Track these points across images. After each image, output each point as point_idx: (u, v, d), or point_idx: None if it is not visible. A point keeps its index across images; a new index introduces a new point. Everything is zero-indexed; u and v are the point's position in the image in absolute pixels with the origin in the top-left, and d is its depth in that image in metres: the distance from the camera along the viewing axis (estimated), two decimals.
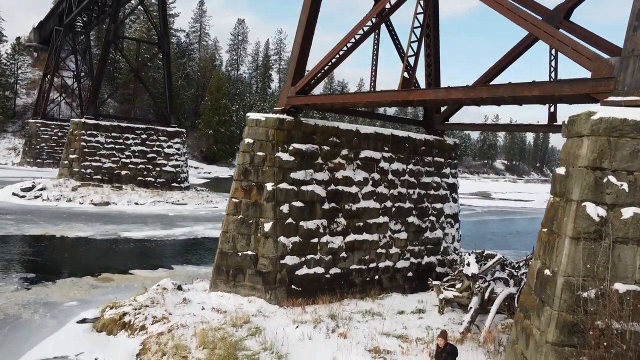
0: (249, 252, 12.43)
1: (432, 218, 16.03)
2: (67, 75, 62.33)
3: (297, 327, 10.47)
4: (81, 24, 56.58)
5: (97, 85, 37.28)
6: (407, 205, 15.22)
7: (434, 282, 13.18)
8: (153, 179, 37.22)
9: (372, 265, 14.18)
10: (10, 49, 70.24)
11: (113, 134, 35.88)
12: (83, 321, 11.60)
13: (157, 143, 37.76)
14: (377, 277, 14.27)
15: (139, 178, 36.54)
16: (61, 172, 35.21)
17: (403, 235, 15.02)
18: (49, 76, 56.79)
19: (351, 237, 13.69)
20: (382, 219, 14.47)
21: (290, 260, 12.38)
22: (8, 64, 68.30)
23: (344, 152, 13.78)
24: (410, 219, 15.29)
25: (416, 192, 15.53)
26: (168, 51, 39.55)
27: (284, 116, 12.81)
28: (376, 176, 14.47)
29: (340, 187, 13.58)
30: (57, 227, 23.11)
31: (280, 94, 13.53)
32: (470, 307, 11.22)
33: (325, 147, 13.38)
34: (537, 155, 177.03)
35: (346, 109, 14.57)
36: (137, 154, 36.71)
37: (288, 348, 9.36)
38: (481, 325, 11.17)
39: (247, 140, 12.78)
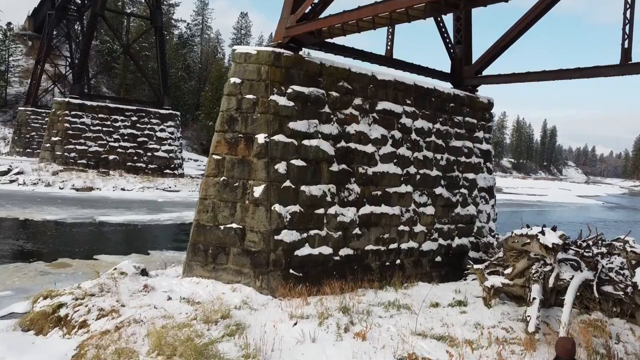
0: (234, 225, 9.44)
1: (464, 191, 13.00)
2: (61, 63, 59.58)
3: (296, 323, 7.49)
4: (74, 7, 53.66)
5: (83, 61, 34.38)
6: (434, 172, 12.20)
7: (475, 266, 10.15)
8: (144, 165, 34.32)
9: (393, 246, 11.17)
10: (1, 35, 67.42)
11: (100, 115, 33.00)
12: (9, 316, 8.65)
13: (149, 126, 34.86)
14: (398, 261, 11.26)
15: (129, 163, 33.65)
16: (42, 156, 32.36)
17: (430, 210, 12.00)
18: (41, 63, 53.99)
19: (367, 209, 10.69)
20: (404, 188, 11.46)
21: (288, 236, 9.40)
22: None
23: (357, 101, 10.78)
24: (438, 190, 12.26)
25: (444, 158, 12.52)
26: (161, 26, 36.60)
27: (282, 50, 9.80)
28: (397, 134, 11.47)
29: (352, 145, 10.59)
30: (25, 210, 20.24)
31: (277, 26, 10.51)
32: (534, 298, 8.18)
33: (334, 94, 10.38)
34: (544, 153, 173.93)
35: (360, 52, 11.56)
36: (126, 137, 33.82)
37: (281, 355, 6.38)
38: (547, 322, 8.17)
39: (234, 80, 9.77)
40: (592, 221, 34.01)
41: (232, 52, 10.04)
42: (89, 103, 33.02)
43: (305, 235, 9.68)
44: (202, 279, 9.38)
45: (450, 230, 12.53)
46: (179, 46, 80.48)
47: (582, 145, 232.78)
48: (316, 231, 9.84)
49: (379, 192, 10.97)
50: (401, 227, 11.32)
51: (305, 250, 9.64)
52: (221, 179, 9.61)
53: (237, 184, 9.52)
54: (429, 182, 12.03)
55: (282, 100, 9.64)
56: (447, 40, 13.40)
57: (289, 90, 9.73)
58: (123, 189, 29.31)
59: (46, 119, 53.67)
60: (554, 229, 9.08)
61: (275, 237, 9.29)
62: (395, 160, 11.34)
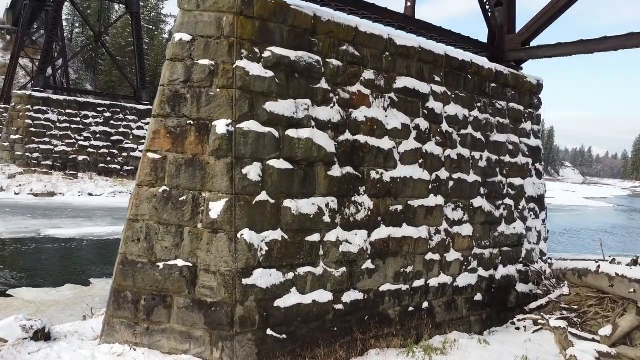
0: (180, 262, 6.02)
1: (509, 202, 9.66)
2: (37, 58, 55.85)
3: None
4: None
5: (47, 49, 30.79)
6: (472, 177, 8.86)
7: (553, 323, 6.79)
8: (119, 167, 30.79)
9: (418, 283, 7.79)
10: None
11: (68, 111, 29.41)
12: None
13: (125, 123, 31.31)
14: (426, 304, 7.87)
15: (101, 165, 30.11)
16: (0, 157, 28.74)
17: (467, 230, 8.64)
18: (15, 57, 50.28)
19: (382, 232, 7.30)
20: (433, 200, 8.09)
21: (263, 278, 6.00)
22: None
23: (368, 74, 7.42)
24: (477, 202, 8.91)
25: (484, 157, 9.18)
26: (137, 12, 33.07)
27: None
28: (423, 124, 8.11)
29: (361, 138, 7.22)
30: None
31: None
32: None
33: (335, 62, 7.01)
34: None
35: (369, 6, 8.22)
36: (98, 135, 30.27)
37: None
38: None
39: (180, 36, 6.33)
40: (616, 228, 30.94)
41: None
42: (54, 97, 29.47)
43: (290, 275, 6.28)
44: (128, 348, 5.94)
45: (493, 257, 9.17)
46: (168, 42, 76.31)
47: (579, 146, 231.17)
48: (308, 269, 6.44)
49: (400, 207, 7.60)
50: (429, 256, 7.95)
51: (291, 299, 6.24)
52: (160, 190, 6.18)
53: (184, 197, 6.10)
54: (465, 191, 8.68)
55: (256, 69, 6.23)
56: (485, 0, 10.05)
57: (267, 54, 6.33)
58: (91, 194, 25.80)
59: None
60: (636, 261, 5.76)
61: (244, 281, 5.88)
62: (421, 161, 7.98)
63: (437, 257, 8.06)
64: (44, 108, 28.70)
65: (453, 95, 8.64)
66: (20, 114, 28.40)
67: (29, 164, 27.78)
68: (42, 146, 28.42)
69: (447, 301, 8.24)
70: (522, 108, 10.10)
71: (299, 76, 6.59)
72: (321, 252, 6.56)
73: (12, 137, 28.37)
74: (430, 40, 9.24)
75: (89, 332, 6.62)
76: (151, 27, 67.84)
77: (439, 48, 8.58)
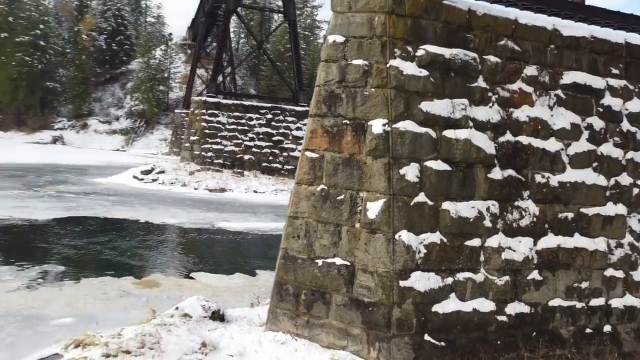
0: (338, 260, 6.26)
1: None
2: (210, 67, 61.91)
3: None
4: (221, 12, 54.98)
5: (218, 60, 33.94)
6: None
7: None
8: (280, 166, 32.81)
9: (597, 302, 7.07)
10: (164, 47, 72.59)
11: (235, 114, 32.14)
12: None
13: (284, 124, 33.28)
14: (607, 327, 7.10)
15: (264, 164, 32.36)
16: (183, 156, 32.48)
17: None
18: (194, 68, 56.35)
19: (550, 241, 6.79)
20: (612, 209, 7.30)
21: (422, 281, 5.97)
22: (162, 60, 70.39)
23: (530, 70, 6.96)
24: None
25: None
26: (294, 19, 34.95)
27: None
28: (597, 123, 7.38)
29: (523, 139, 6.80)
30: (150, 212, 19.25)
31: None
32: None
33: (492, 59, 6.70)
34: None
35: None
36: (261, 136, 32.60)
37: None
38: None
39: (334, 38, 6.55)
40: None
41: None
42: (224, 101, 32.42)
43: (449, 280, 6.16)
44: (289, 338, 6.34)
45: None
46: (323, 45, 78.83)
47: None
48: (468, 274, 6.26)
49: (570, 214, 7.00)
50: (609, 272, 7.19)
51: (449, 305, 6.12)
52: (318, 189, 6.47)
53: (342, 196, 6.31)
54: None
55: (409, 68, 6.22)
56: None
57: (420, 53, 6.27)
58: (255, 191, 27.86)
59: None
60: None
61: (402, 283, 5.91)
62: (595, 165, 7.27)
63: (619, 274, 7.24)
64: (216, 112, 31.74)
65: (636, 90, 7.72)
66: (197, 118, 31.79)
67: (204, 162, 30.96)
68: (214, 146, 31.46)
69: (636, 328, 7.32)
70: None
71: (454, 75, 6.44)
72: (482, 258, 6.33)
73: (192, 138, 31.87)
74: (605, 27, 8.33)
75: (256, 319, 7.18)
76: (307, 33, 71.09)
77: (618, 36, 7.75)
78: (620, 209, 7.31)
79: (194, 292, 9.56)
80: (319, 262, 6.33)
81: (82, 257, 12.55)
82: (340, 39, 6.43)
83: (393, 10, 6.18)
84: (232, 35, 65.38)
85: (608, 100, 7.47)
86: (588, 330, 6.91)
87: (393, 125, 6.07)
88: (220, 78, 41.03)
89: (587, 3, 8.26)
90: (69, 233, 14.93)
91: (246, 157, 31.96)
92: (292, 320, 6.43)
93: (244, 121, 32.17)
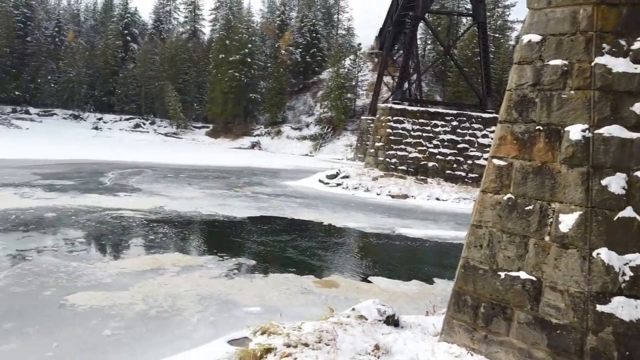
0: (523, 275, 5.76)
1: None
2: (396, 75, 62.58)
3: None
4: (409, 20, 55.36)
5: (404, 67, 34.04)
6: None
7: None
8: (463, 174, 31.72)
9: None
10: (353, 57, 75.75)
11: (420, 121, 31.92)
12: (231, 343, 7.22)
13: (470, 132, 32.07)
14: None
15: (447, 171, 31.57)
16: (367, 161, 33.33)
17: None
18: (380, 76, 57.68)
19: None
20: None
21: (626, 308, 5.17)
22: (351, 69, 73.48)
23: None
24: None
25: None
26: (484, 22, 33.38)
27: None
28: None
29: None
30: (333, 215, 20.12)
31: None
32: None
33: None
34: None
35: None
36: (446, 143, 31.85)
37: None
38: None
39: (529, 38, 6.03)
40: None
41: None
42: (409, 108, 32.44)
43: None
44: (465, 351, 6.04)
45: None
46: (515, 47, 74.05)
47: None
48: None
49: None
50: None
51: None
52: (505, 198, 6.05)
53: (530, 206, 5.81)
54: None
55: (621, 64, 5.46)
56: None
57: (637, 45, 5.46)
58: (437, 199, 27.33)
59: None
60: None
61: (599, 307, 5.22)
62: None
63: None
64: (401, 118, 31.92)
65: None
66: (383, 124, 32.35)
67: (387, 168, 31.37)
68: (398, 152, 31.67)
69: None
70: None
71: None
72: None
73: (376, 144, 32.55)
74: None
75: (430, 328, 7.01)
76: (497, 35, 67.66)
77: None
78: None
79: (370, 295, 9.73)
80: (502, 274, 5.92)
81: (270, 253, 13.63)
82: (536, 38, 5.95)
83: (604, 0, 5.51)
84: (418, 41, 65.44)
85: None
86: None
87: (595, 131, 5.41)
88: (406, 85, 41.35)
89: None
90: (260, 230, 16.36)
91: (430, 164, 31.57)
92: (468, 333, 6.11)
93: (428, 128, 31.84)
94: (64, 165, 30.13)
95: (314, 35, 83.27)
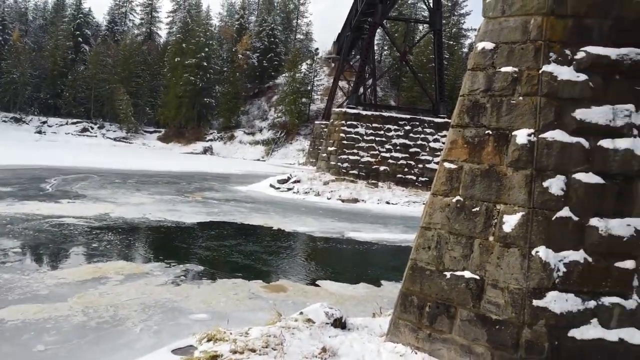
0: (467, 274, 5.84)
1: None
2: (352, 80, 63.14)
3: None
4: (367, 26, 55.91)
5: (361, 72, 34.40)
6: None
7: None
8: (414, 177, 32.26)
9: None
10: (310, 61, 75.96)
11: (374, 125, 32.30)
12: (175, 352, 6.98)
13: (422, 136, 32.70)
14: None
15: (399, 175, 32.03)
16: (319, 166, 33.43)
17: None
18: (335, 81, 58.02)
19: None
20: None
21: (558, 302, 5.36)
22: (307, 73, 73.62)
23: None
24: None
25: None
26: (440, 29, 34.23)
27: None
28: None
29: None
30: (283, 220, 20.01)
31: None
32: None
33: None
34: None
35: None
36: (398, 147, 32.33)
37: None
38: None
39: (483, 45, 6.19)
40: None
41: (482, 2, 6.49)
42: (364, 112, 32.78)
43: (592, 304, 5.46)
44: (409, 350, 6.07)
45: None
46: (469, 54, 75.87)
47: None
48: (615, 299, 5.49)
49: None
50: None
51: (589, 332, 5.42)
52: (454, 200, 6.15)
53: (477, 208, 5.92)
54: None
55: (565, 73, 5.67)
56: None
57: (580, 55, 5.68)
58: (388, 202, 27.70)
59: None
60: None
61: (535, 302, 5.38)
62: None
63: None
64: (355, 123, 32.20)
65: None
66: (336, 129, 32.53)
67: (339, 172, 31.53)
68: (350, 157, 31.90)
69: None
70: None
71: (620, 77, 5.71)
72: (636, 283, 5.51)
73: (329, 148, 32.69)
74: None
75: (377, 329, 7.02)
76: (452, 42, 69.58)
77: None
78: None
79: (318, 299, 9.64)
80: (448, 274, 6.00)
81: (218, 258, 13.39)
82: (489, 45, 6.11)
83: (553, 11, 5.71)
84: (375, 47, 66.30)
85: None
86: None
87: (540, 135, 5.59)
88: (361, 90, 41.77)
89: None
90: (209, 236, 16.06)
91: (381, 168, 31.94)
92: (413, 332, 6.16)
93: (382, 132, 32.25)
94: (0, 171, 28.50)
95: (272, 39, 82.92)
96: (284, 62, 79.37)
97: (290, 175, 31.15)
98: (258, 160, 64.49)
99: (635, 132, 5.65)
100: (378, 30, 43.72)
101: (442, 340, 5.90)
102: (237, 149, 70.17)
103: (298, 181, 30.07)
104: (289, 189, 29.18)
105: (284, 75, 75.62)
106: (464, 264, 5.93)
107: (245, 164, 55.55)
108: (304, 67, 74.03)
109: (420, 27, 72.99)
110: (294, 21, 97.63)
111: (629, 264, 5.49)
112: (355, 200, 27.54)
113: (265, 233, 17.45)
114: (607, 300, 5.46)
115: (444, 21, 47.76)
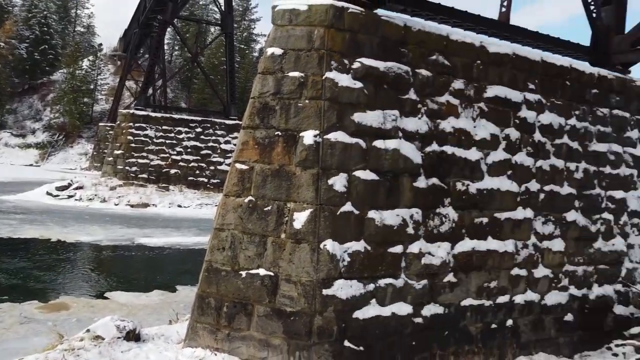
0: (262, 271, 6.06)
1: (608, 216, 8.92)
2: (141, 80, 59.74)
3: None
4: (157, 23, 53.43)
5: (150, 72, 32.92)
6: (566, 190, 8.30)
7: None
8: (206, 179, 32.10)
9: (502, 299, 7.37)
10: (92, 58, 69.50)
11: (164, 127, 31.20)
12: None
13: (214, 138, 32.68)
14: (509, 322, 7.42)
15: (190, 178, 31.52)
16: (105, 170, 31.05)
17: (558, 245, 8.08)
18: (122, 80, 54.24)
19: (466, 245, 6.99)
20: (521, 213, 7.66)
21: (344, 289, 5.91)
22: (89, 71, 67.32)
23: (458, 84, 7.18)
24: (571, 216, 8.33)
25: (581, 168, 8.57)
26: (231, 33, 34.62)
27: (346, 4, 6.41)
28: (513, 133, 7.72)
29: (448, 149, 6.98)
30: (64, 230, 18.11)
31: None
32: None
33: (424, 72, 6.85)
34: None
35: (462, 15, 7.95)
36: (189, 149, 31.78)
37: None
38: None
39: (272, 51, 6.47)
40: None
41: (272, 10, 6.76)
42: (153, 114, 31.46)
43: (371, 286, 6.14)
44: (209, 353, 6.04)
45: (587, 275, 8.51)
46: (260, 58, 78.23)
47: None
48: (389, 280, 6.28)
49: (485, 220, 7.25)
50: (515, 271, 7.52)
51: (369, 311, 6.10)
52: (246, 200, 6.28)
53: (269, 207, 6.15)
54: (557, 204, 8.14)
55: (345, 80, 6.23)
56: (590, 0, 9.45)
57: (356, 65, 6.31)
58: (180, 206, 27.12)
59: None
60: None
61: (324, 291, 5.82)
62: (509, 172, 7.57)
63: (523, 272, 7.61)
64: (144, 125, 30.67)
65: (548, 103, 8.16)
66: (124, 131, 30.56)
67: (127, 177, 29.70)
68: (139, 160, 30.29)
69: (534, 320, 7.72)
70: (627, 115, 9.34)
71: (387, 87, 6.52)
72: (403, 264, 6.37)
73: (116, 152, 30.54)
74: (525, 46, 8.81)
75: (174, 336, 6.81)
76: (243, 46, 70.77)
77: (535, 54, 8.18)
78: (528, 212, 7.69)
79: (108, 313, 8.96)
80: (243, 273, 6.12)
81: None
82: (278, 51, 6.36)
83: (332, 25, 6.21)
84: (165, 47, 63.74)
85: (524, 112, 7.84)
86: (493, 326, 7.18)
87: (324, 136, 6.04)
88: (150, 90, 39.79)
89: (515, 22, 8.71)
90: None
91: (172, 171, 31.01)
92: (212, 334, 6.14)
93: (172, 135, 31.29)
94: None
95: (46, 29, 72.92)
96: (62, 57, 70.91)
97: (72, 181, 28.28)
98: (31, 165, 56.75)
99: (401, 134, 6.52)
100: (168, 29, 42.35)
101: (241, 338, 6.00)
102: (3, 153, 60.82)
103: (81, 187, 27.49)
104: (70, 196, 26.51)
105: (61, 71, 67.57)
106: (258, 262, 6.10)
107: (14, 170, 48.34)
108: (85, 63, 67.29)
109: (212, 29, 72.79)
110: (72, 11, 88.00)
111: (399, 248, 6.32)
112: (146, 205, 26.30)
113: (41, 246, 15.54)
114: (382, 282, 6.20)
115: (235, 25, 48.37)
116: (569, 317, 8.15)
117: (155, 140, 30.89)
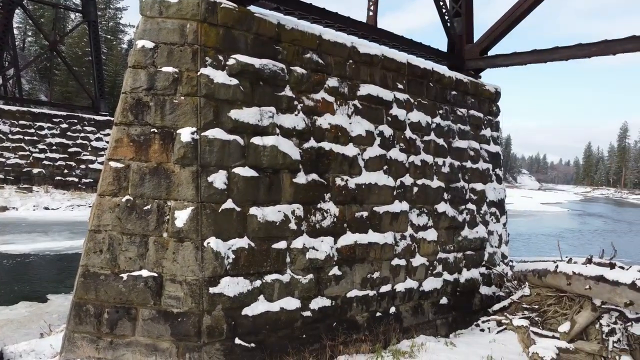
0: (145, 273, 5.89)
1: (471, 207, 9.89)
2: None
3: None
4: (1, 3, 48.20)
5: None
6: (436, 183, 9.05)
7: (515, 322, 6.98)
8: (77, 179, 29.92)
9: (385, 288, 7.88)
10: None
11: (21, 122, 28.43)
12: None
13: (82, 134, 30.48)
14: (393, 309, 7.97)
15: (58, 178, 29.16)
16: None
17: (432, 235, 8.81)
18: None
19: (348, 238, 7.36)
20: (398, 206, 8.22)
21: (231, 286, 5.96)
22: None
23: (332, 82, 7.49)
24: (441, 208, 9.11)
25: (447, 163, 9.39)
26: (95, 21, 32.33)
27: None
28: (387, 130, 8.24)
29: (326, 145, 7.28)
30: None
31: None
32: None
33: (299, 70, 7.05)
34: None
35: (333, 16, 8.29)
36: (54, 147, 29.33)
37: None
38: None
39: (143, 43, 6.26)
40: (572, 231, 32.12)
41: (139, 2, 6.50)
42: (6, 108, 28.48)
43: (258, 283, 6.25)
44: None
45: (457, 261, 9.37)
46: (129, 51, 73.92)
47: (534, 154, 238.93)
48: (275, 276, 6.43)
49: (365, 213, 7.68)
50: (395, 261, 8.06)
51: (259, 307, 6.21)
52: (124, 200, 6.05)
53: (149, 206, 5.99)
54: (429, 197, 8.85)
55: (220, 76, 6.22)
56: (444, 11, 10.33)
57: (231, 62, 6.32)
58: (47, 208, 24.97)
59: None
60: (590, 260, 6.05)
61: (212, 290, 5.82)
62: (385, 167, 8.09)
63: (403, 262, 8.17)
64: None
65: (416, 103, 8.82)
66: None
67: None
68: None
69: (414, 306, 8.36)
70: (481, 115, 10.40)
71: (263, 84, 6.61)
72: (288, 260, 6.56)
73: None
74: (392, 49, 9.41)
75: (47, 350, 6.39)
76: (110, 36, 66.44)
77: (402, 56, 8.76)
78: (405, 205, 8.28)
79: None
80: (124, 276, 5.90)
81: None
82: (149, 44, 6.14)
83: (205, 19, 6.12)
84: (16, 32, 57.65)
85: (395, 111, 8.40)
86: (378, 314, 7.69)
87: (202, 134, 5.99)
88: (0, 80, 35.91)
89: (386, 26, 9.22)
90: None
91: (35, 170, 28.43)
92: (92, 343, 5.85)
93: (32, 131, 28.62)
94: None
95: None
96: None
97: None
98: None
99: (278, 130, 6.67)
100: (17, 10, 38.32)
101: (125, 345, 5.79)
102: None
103: None
104: None
105: None
106: (140, 263, 5.93)
107: None
108: None
109: (73, 16, 67.33)
110: None
111: (283, 244, 6.49)
112: (4, 209, 23.86)
113: None
114: (269, 277, 6.33)
115: (99, 13, 45.21)
116: (444, 300, 8.93)
117: (10, 136, 28.05)
